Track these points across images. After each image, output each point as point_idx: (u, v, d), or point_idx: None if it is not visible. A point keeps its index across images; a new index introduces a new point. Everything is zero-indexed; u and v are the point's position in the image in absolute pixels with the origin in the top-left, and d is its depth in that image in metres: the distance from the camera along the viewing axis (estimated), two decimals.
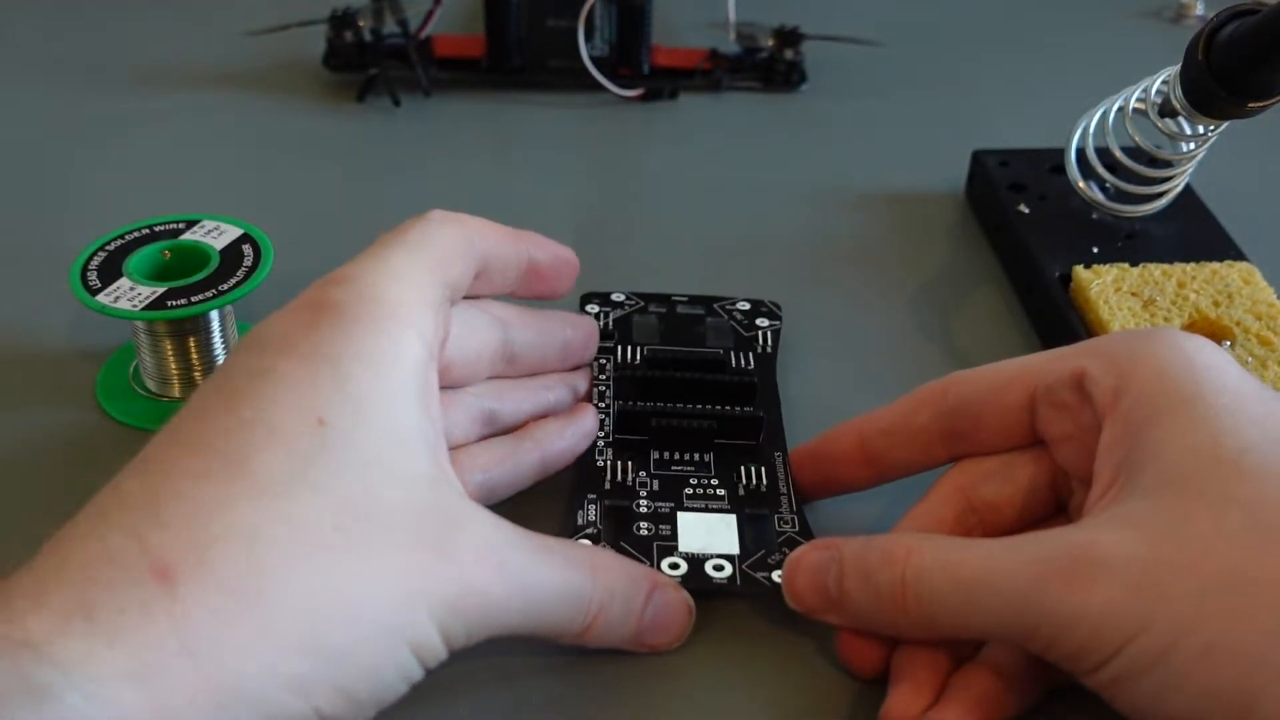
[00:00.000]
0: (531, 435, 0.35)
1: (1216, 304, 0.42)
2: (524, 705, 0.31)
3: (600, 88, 0.58)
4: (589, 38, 0.58)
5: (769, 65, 0.60)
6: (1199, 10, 0.69)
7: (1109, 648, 0.26)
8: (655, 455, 0.37)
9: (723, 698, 0.32)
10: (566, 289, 0.37)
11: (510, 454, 0.35)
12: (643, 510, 0.35)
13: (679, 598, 0.32)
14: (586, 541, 0.34)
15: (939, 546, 0.29)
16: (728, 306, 0.44)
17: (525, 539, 0.30)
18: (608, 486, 0.36)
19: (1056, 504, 0.34)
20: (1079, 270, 0.43)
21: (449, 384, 0.34)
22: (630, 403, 0.38)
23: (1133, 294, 0.42)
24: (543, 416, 0.37)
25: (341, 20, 0.58)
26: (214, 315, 0.39)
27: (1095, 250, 0.45)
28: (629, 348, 0.41)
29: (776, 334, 0.43)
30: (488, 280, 0.35)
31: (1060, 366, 0.32)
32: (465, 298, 0.34)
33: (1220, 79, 0.39)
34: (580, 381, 0.39)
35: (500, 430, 0.36)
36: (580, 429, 0.36)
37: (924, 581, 0.29)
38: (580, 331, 0.39)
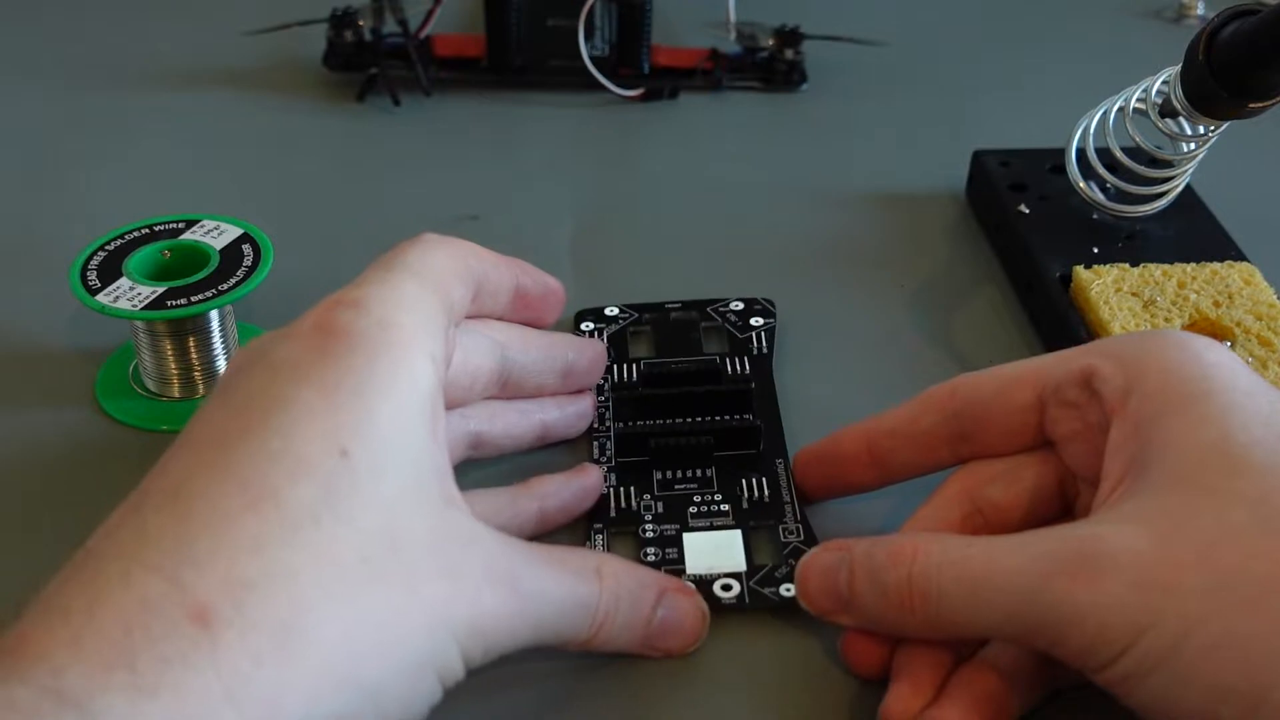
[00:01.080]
0: (531, 489, 0.35)
1: (1217, 304, 0.42)
2: (521, 712, 0.31)
3: (600, 88, 0.58)
4: (589, 37, 0.58)
5: (769, 65, 0.60)
6: (1199, 10, 0.68)
7: (1117, 644, 0.26)
8: (658, 475, 0.37)
9: (723, 700, 0.32)
10: (553, 318, 0.37)
11: (509, 505, 0.35)
12: (649, 535, 0.35)
13: (690, 603, 0.32)
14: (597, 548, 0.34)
15: (945, 545, 0.29)
16: (721, 309, 0.44)
17: (531, 552, 0.30)
18: (613, 514, 0.36)
19: (1063, 506, 0.33)
20: (1079, 270, 0.43)
21: (445, 405, 0.33)
22: (628, 424, 0.38)
23: (1133, 294, 0.42)
24: (535, 441, 0.37)
25: (341, 20, 0.58)
26: (214, 315, 0.39)
27: (1096, 250, 0.45)
28: (625, 364, 0.41)
29: (771, 332, 0.43)
30: (479, 304, 0.34)
31: (1068, 366, 0.32)
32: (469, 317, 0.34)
33: (1221, 79, 0.39)
34: (581, 403, 0.39)
35: (487, 453, 0.36)
36: (581, 485, 0.36)
37: (930, 580, 0.29)
38: (585, 356, 0.38)
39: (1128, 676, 0.27)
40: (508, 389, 0.36)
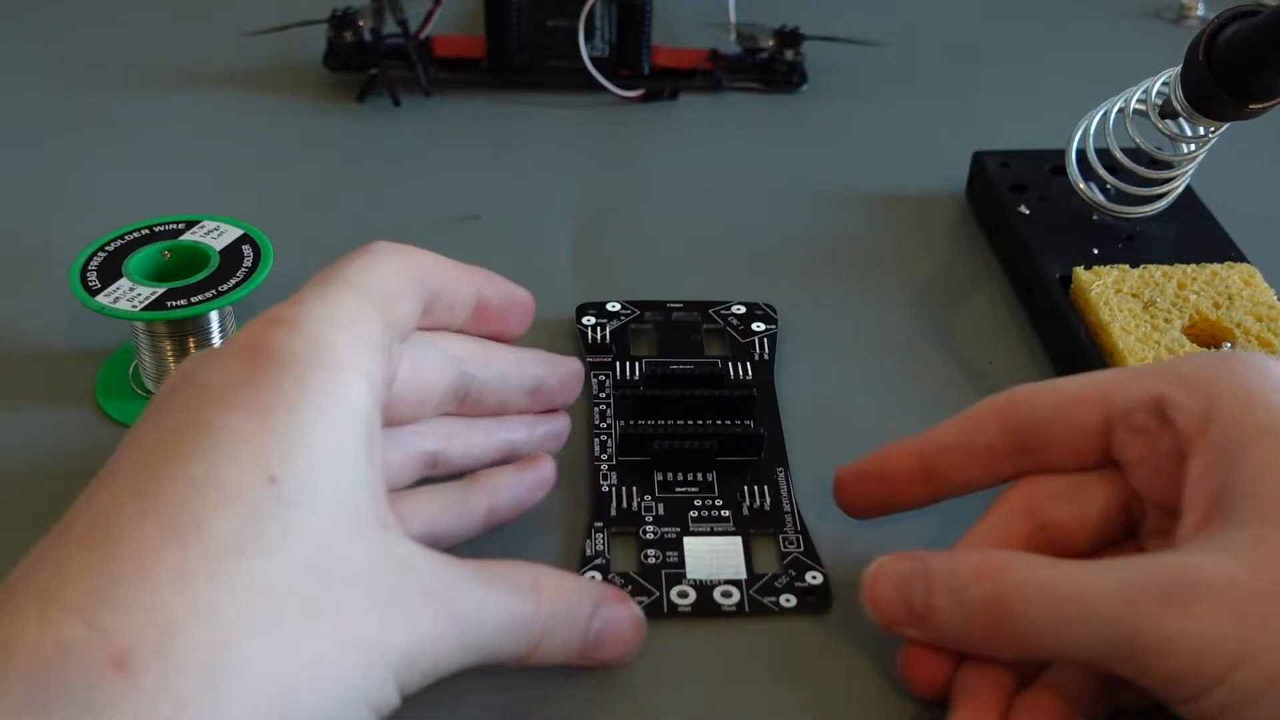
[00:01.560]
0: (481, 485, 0.34)
1: (1217, 305, 0.42)
2: (512, 715, 0.31)
3: (600, 88, 0.58)
4: (589, 38, 0.58)
5: (769, 66, 0.60)
6: (1200, 11, 0.69)
7: (1210, 676, 0.26)
8: (659, 477, 0.37)
9: (722, 704, 0.32)
10: (519, 331, 0.36)
11: (458, 503, 0.33)
12: (649, 537, 0.35)
13: (626, 611, 0.32)
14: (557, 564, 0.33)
15: (1032, 564, 0.28)
16: (723, 312, 0.44)
17: (467, 572, 0.29)
18: (614, 514, 0.36)
19: (1129, 527, 0.32)
20: (1079, 271, 0.43)
21: (391, 422, 0.32)
22: (632, 423, 0.38)
23: (1133, 295, 0.42)
24: (500, 461, 0.35)
25: (341, 20, 0.58)
26: (214, 316, 0.39)
27: (1095, 251, 0.45)
28: (627, 363, 0.41)
29: (773, 339, 0.43)
30: (435, 316, 0.33)
31: (1137, 389, 0.31)
32: (422, 330, 0.33)
33: (1221, 80, 0.39)
34: (552, 423, 0.37)
35: (446, 473, 0.35)
36: (534, 479, 0.35)
37: (1017, 599, 0.28)
38: (557, 373, 0.36)
39: (1220, 710, 0.26)
40: (468, 406, 0.34)
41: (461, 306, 0.34)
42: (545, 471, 0.35)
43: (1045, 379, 0.42)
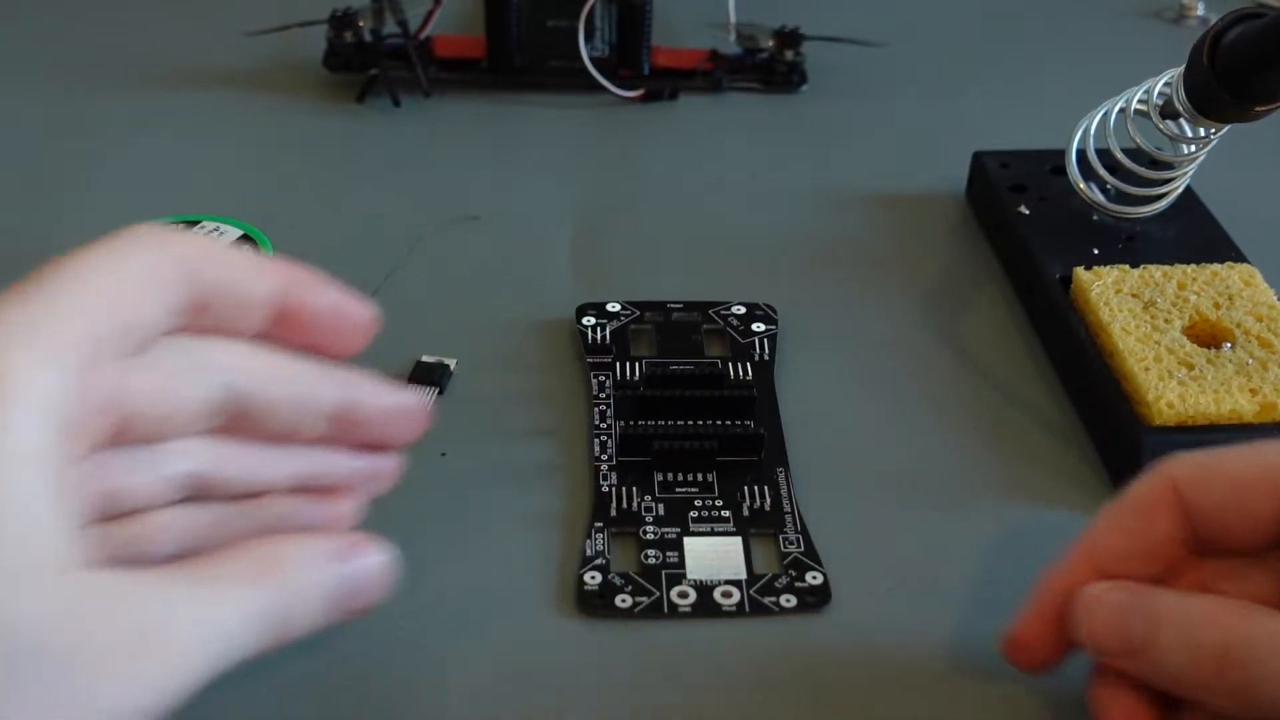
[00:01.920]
0: (253, 509, 0.30)
1: (1217, 306, 0.42)
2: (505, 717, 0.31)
3: (600, 88, 0.58)
4: (589, 38, 0.58)
5: (769, 66, 0.60)
6: (1200, 11, 0.69)
7: None
8: (659, 477, 0.37)
9: (723, 706, 0.32)
10: (345, 347, 0.30)
11: (217, 526, 0.29)
12: (649, 537, 0.35)
13: (371, 559, 0.29)
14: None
15: (1264, 617, 0.27)
16: (723, 312, 0.44)
17: (184, 584, 0.26)
18: (614, 514, 0.36)
19: None
20: (1079, 272, 0.43)
21: (137, 439, 0.28)
22: (632, 423, 0.38)
23: (1133, 295, 0.42)
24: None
25: (341, 20, 0.58)
26: None
27: (1096, 252, 0.45)
28: (627, 363, 0.41)
29: (773, 339, 0.43)
30: (216, 316, 0.28)
31: None
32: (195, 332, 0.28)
33: (1225, 83, 0.39)
34: (371, 462, 0.31)
35: (221, 496, 0.30)
36: (322, 515, 0.30)
37: (1248, 648, 0.27)
38: (379, 402, 0.30)
39: None
40: (247, 426, 0.29)
41: (254, 308, 0.29)
42: (339, 510, 0.31)
43: (1045, 379, 0.42)
